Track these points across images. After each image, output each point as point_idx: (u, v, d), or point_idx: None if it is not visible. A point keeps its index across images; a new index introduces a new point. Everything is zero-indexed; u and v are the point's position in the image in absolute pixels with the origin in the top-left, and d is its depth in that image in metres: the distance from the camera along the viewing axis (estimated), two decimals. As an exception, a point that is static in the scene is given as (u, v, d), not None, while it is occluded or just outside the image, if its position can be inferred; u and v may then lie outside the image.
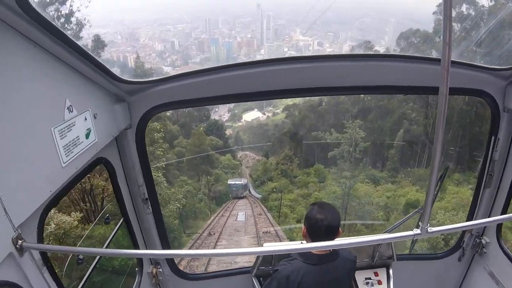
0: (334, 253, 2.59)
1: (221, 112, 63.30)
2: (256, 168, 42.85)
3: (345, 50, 56.93)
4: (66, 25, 27.99)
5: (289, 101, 46.63)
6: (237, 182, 38.46)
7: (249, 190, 39.20)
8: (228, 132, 52.76)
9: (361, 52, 37.72)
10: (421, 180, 28.97)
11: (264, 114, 61.38)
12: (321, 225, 2.42)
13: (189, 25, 73.99)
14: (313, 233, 2.48)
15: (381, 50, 39.43)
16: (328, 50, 62.98)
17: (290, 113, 46.55)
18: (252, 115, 62.11)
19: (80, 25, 29.34)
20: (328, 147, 36.49)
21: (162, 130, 25.70)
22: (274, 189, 34.86)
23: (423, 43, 34.18)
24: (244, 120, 61.77)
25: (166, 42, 68.83)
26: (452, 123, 28.58)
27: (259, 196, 36.91)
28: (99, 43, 32.83)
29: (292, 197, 33.03)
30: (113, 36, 63.34)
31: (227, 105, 61.36)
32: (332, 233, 2.44)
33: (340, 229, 2.53)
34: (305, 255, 2.53)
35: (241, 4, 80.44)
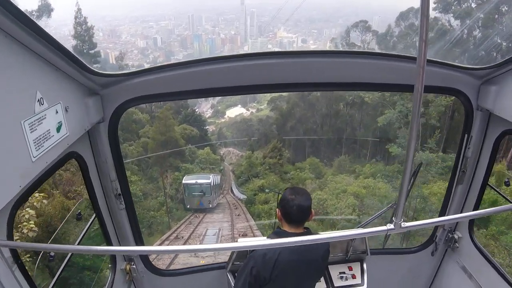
0: (308, 234, 2.50)
1: (203, 109, 60.34)
2: (240, 164, 33.16)
3: (329, 47, 52.95)
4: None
5: (274, 94, 39.58)
6: (200, 181, 22.43)
7: (231, 190, 29.97)
8: (211, 128, 47.33)
9: (357, 32, 31.94)
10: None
11: (248, 110, 58.85)
12: (292, 204, 2.35)
13: (172, 22, 71.13)
14: (286, 214, 2.40)
15: (379, 30, 32.88)
16: (312, 47, 60.42)
17: (275, 105, 39.49)
18: (236, 111, 59.62)
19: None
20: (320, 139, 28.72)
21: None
22: (267, 189, 24.12)
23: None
24: (228, 116, 58.64)
25: (148, 39, 66.18)
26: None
27: (243, 197, 27.29)
28: (45, 8, 24.39)
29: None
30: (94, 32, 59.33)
31: (210, 101, 59.67)
32: (303, 213, 2.37)
33: (312, 210, 2.44)
34: (281, 235, 2.41)
35: (225, 1, 75.36)
